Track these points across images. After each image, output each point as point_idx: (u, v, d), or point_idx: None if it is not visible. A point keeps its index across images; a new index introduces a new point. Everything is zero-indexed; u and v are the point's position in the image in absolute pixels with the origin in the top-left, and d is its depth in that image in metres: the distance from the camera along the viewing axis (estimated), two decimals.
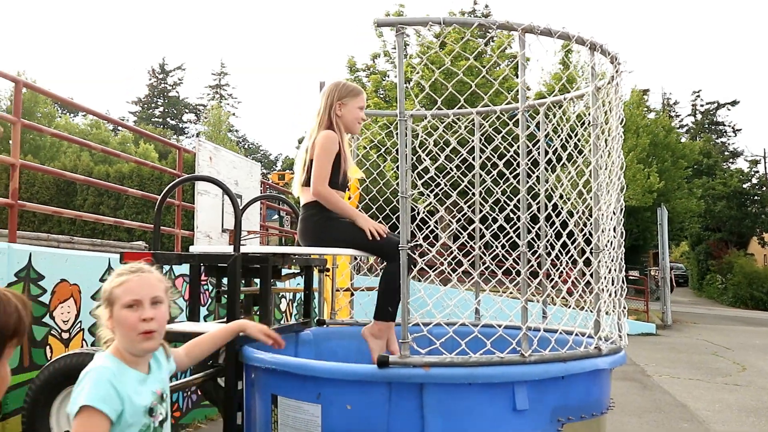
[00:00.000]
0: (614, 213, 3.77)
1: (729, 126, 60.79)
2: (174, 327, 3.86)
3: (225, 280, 3.85)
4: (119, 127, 49.69)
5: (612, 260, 3.71)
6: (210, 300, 7.09)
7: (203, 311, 6.81)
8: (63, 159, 33.75)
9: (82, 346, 5.15)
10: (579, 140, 3.90)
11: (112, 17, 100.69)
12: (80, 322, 5.19)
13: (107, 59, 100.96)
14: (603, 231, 3.54)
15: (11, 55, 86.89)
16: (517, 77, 3.22)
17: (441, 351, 3.07)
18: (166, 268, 5.84)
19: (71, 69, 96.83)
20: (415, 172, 4.35)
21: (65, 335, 5.01)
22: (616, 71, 3.75)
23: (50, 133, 6.61)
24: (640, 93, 33.76)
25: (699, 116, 61.05)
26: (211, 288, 7.07)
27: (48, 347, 4.82)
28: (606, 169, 3.69)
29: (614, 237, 3.75)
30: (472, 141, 4.95)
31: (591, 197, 3.49)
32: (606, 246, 3.60)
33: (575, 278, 3.63)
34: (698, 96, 61.56)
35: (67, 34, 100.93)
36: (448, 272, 4.67)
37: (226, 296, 3.67)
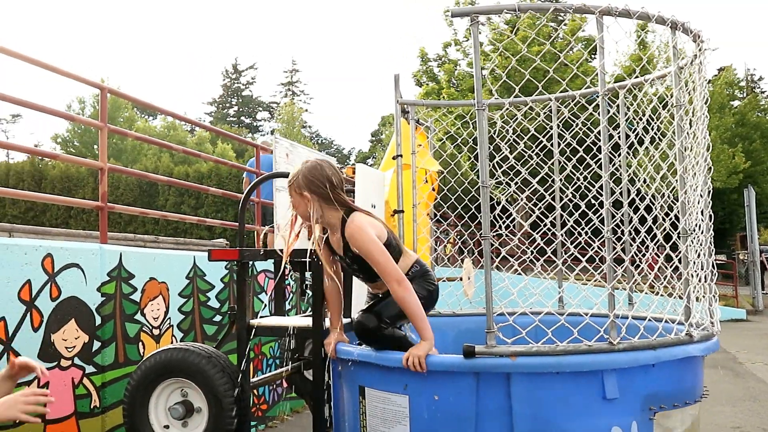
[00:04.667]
0: (701, 196, 3.66)
1: None
2: (262, 321, 3.96)
3: (308, 275, 3.91)
4: (195, 128, 50.99)
5: (701, 244, 3.60)
6: (291, 294, 7.22)
7: (286, 305, 6.94)
8: (144, 161, 34.87)
9: (172, 342, 5.32)
10: (662, 122, 3.80)
11: (185, 21, 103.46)
12: (169, 318, 5.37)
13: (182, 61, 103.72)
14: (690, 214, 3.45)
15: (90, 59, 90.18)
16: (591, 61, 3.16)
17: (527, 340, 3.05)
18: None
19: (148, 73, 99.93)
20: (494, 161, 4.32)
21: (156, 332, 5.19)
22: (699, 49, 3.63)
23: (134, 136, 6.83)
24: (730, 70, 32.65)
25: None
26: (292, 283, 7.20)
27: (140, 343, 5.00)
28: (691, 150, 3.59)
29: (702, 220, 3.64)
30: (549, 128, 4.88)
31: (677, 180, 3.39)
32: (694, 230, 3.50)
33: (662, 264, 3.55)
34: None
35: (142, 40, 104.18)
36: (531, 260, 4.62)
37: (310, 291, 3.73)
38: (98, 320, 4.57)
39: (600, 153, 3.16)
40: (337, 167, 3.60)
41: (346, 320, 3.70)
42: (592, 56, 20.17)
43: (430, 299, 3.55)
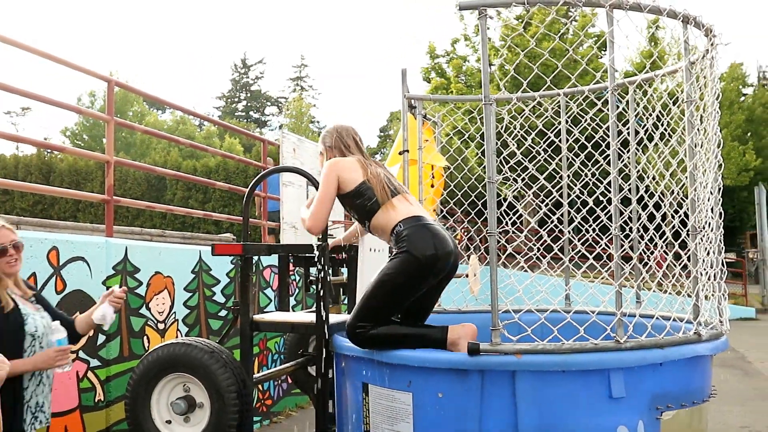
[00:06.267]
0: (711, 193, 3.61)
1: None
2: (265, 317, 3.93)
3: (313, 270, 3.88)
4: (204, 123, 50.99)
5: (710, 242, 3.55)
6: (297, 290, 7.20)
7: (291, 301, 6.92)
8: (153, 155, 34.89)
9: (176, 336, 5.31)
10: (672, 119, 3.75)
11: (195, 16, 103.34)
12: (174, 313, 5.36)
13: (191, 56, 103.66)
14: (700, 211, 3.40)
15: (101, 54, 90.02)
16: (602, 57, 3.12)
17: (532, 338, 3.01)
18: (255, 259, 5.94)
19: (158, 68, 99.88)
20: (501, 157, 4.27)
21: (161, 326, 5.18)
22: (711, 44, 3.57)
23: (142, 130, 6.81)
24: (739, 66, 32.38)
25: None
26: (298, 278, 7.18)
27: (145, 337, 5.00)
28: (701, 147, 3.54)
29: (712, 218, 3.59)
30: (557, 124, 4.83)
31: (686, 177, 3.34)
32: (704, 227, 3.46)
33: (671, 262, 3.50)
34: None
35: (152, 35, 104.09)
36: (538, 257, 4.58)
37: (314, 286, 3.71)
38: None
39: (608, 149, 3.12)
40: (358, 134, 3.69)
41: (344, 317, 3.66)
42: (603, 51, 20.09)
43: (407, 270, 3.18)
